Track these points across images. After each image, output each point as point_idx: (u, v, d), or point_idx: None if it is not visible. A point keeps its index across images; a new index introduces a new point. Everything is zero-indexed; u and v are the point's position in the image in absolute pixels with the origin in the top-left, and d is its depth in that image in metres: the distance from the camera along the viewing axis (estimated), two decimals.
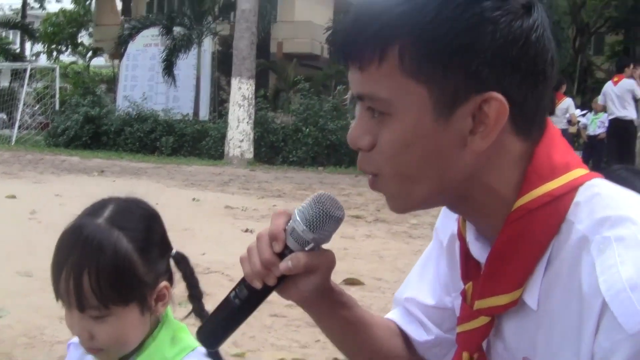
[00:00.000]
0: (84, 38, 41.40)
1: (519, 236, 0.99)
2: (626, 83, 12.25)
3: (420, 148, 0.98)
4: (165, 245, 1.49)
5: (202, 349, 1.43)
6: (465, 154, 0.98)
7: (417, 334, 1.33)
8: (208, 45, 23.17)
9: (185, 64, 22.05)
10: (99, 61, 40.95)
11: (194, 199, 9.95)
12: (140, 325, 1.43)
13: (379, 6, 0.98)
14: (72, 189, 10.04)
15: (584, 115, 16.15)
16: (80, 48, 41.13)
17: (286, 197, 10.88)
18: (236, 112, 17.68)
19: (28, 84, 24.71)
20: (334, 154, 18.23)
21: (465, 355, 1.11)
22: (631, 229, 0.89)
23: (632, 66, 12.29)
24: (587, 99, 26.15)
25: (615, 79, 12.62)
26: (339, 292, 1.21)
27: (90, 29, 38.51)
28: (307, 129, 18.30)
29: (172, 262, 1.51)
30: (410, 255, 6.65)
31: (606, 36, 33.92)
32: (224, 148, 18.18)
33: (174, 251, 1.51)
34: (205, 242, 6.76)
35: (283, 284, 1.12)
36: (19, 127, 23.59)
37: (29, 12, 40.77)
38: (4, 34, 33.58)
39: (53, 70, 26.09)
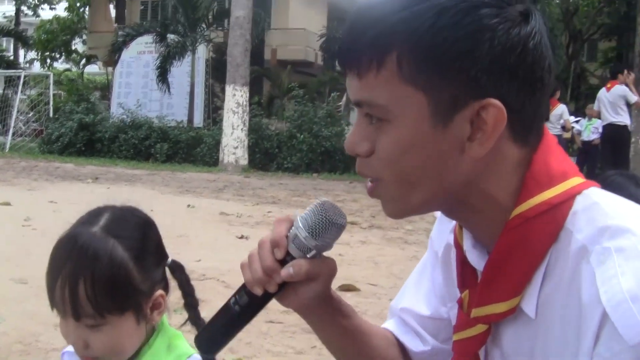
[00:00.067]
0: (77, 45, 41.35)
1: (516, 244, 0.99)
2: (618, 89, 12.30)
3: (419, 154, 0.98)
4: (161, 253, 1.49)
5: (197, 356, 1.43)
6: (464, 160, 0.98)
7: (414, 345, 1.33)
8: (202, 52, 23.17)
9: (179, 71, 22.04)
10: (93, 68, 40.93)
11: (188, 206, 9.94)
12: (135, 334, 1.43)
13: (377, 13, 0.98)
14: (67, 196, 10.02)
15: (577, 122, 16.23)
16: (74, 55, 41.08)
17: (281, 204, 10.88)
18: (230, 119, 17.68)
19: (22, 91, 24.63)
20: (329, 161, 18.23)
21: None
22: (631, 239, 0.89)
23: (625, 72, 12.34)
24: (580, 105, 26.23)
25: (609, 85, 12.68)
26: (339, 301, 1.21)
27: (84, 36, 38.45)
28: (302, 136, 18.30)
29: (167, 271, 1.51)
30: (405, 261, 6.66)
31: (599, 43, 34.06)
32: (218, 155, 18.18)
33: (169, 259, 1.51)
34: (200, 249, 6.75)
35: (283, 291, 1.11)
36: (13, 134, 23.52)
37: (22, 19, 40.76)
38: None
39: (47, 77, 26.02)
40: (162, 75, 21.80)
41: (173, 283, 1.52)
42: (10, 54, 35.80)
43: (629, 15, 23.86)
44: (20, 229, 7.38)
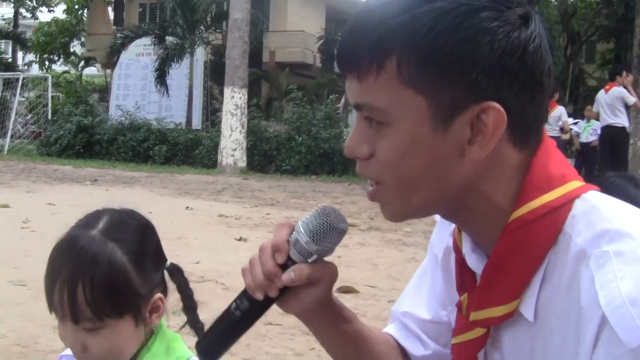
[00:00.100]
0: (76, 47, 41.28)
1: (515, 247, 0.99)
2: (616, 91, 12.34)
3: (419, 157, 0.98)
4: (160, 257, 1.49)
5: (196, 359, 1.43)
6: (464, 163, 0.98)
7: (415, 349, 1.33)
8: (200, 54, 23.19)
9: (177, 73, 22.04)
10: (92, 70, 40.85)
11: (187, 208, 9.94)
12: (134, 337, 1.42)
13: (377, 17, 0.97)
14: (65, 198, 10.02)
15: (575, 123, 16.25)
16: (72, 57, 41.03)
17: (279, 206, 10.88)
18: (229, 121, 17.68)
19: (20, 94, 24.66)
20: (327, 163, 18.24)
21: None
22: (630, 244, 0.89)
23: (624, 74, 12.36)
24: (579, 106, 26.26)
25: (607, 87, 12.71)
26: (340, 306, 1.21)
27: (83, 39, 38.42)
28: (300, 138, 18.31)
29: (166, 274, 1.50)
30: (404, 263, 6.66)
31: (597, 44, 34.10)
32: (217, 157, 18.19)
33: (168, 263, 1.51)
34: (199, 251, 6.76)
35: (284, 295, 1.11)
36: (12, 136, 23.54)
37: (21, 21, 40.77)
38: None
39: (45, 79, 26.04)
40: (161, 77, 21.81)
41: (172, 285, 1.52)
42: (8, 56, 35.71)
43: (627, 17, 23.90)
44: (19, 231, 7.38)
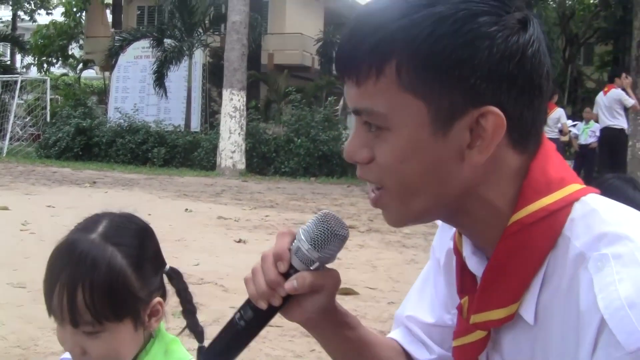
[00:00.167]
0: (74, 50, 41.27)
1: (515, 250, 0.99)
2: (614, 93, 12.35)
3: (418, 162, 0.98)
4: (159, 260, 1.49)
5: None
6: (463, 168, 0.98)
7: (420, 354, 1.33)
8: (199, 57, 23.19)
9: (176, 76, 22.07)
10: (90, 73, 40.83)
11: (186, 210, 9.94)
12: (133, 341, 1.43)
13: (376, 21, 0.97)
14: (64, 200, 10.03)
15: (574, 125, 16.27)
16: (70, 60, 41.01)
17: (278, 208, 10.88)
18: (228, 123, 17.68)
19: (19, 96, 24.66)
20: (326, 165, 18.25)
21: None
22: (629, 246, 0.89)
23: (623, 76, 12.37)
24: (577, 108, 26.29)
25: (606, 89, 12.72)
26: (343, 312, 1.21)
27: (81, 41, 38.42)
28: (299, 140, 18.32)
29: (165, 277, 1.50)
30: (403, 265, 6.66)
31: (595, 46, 34.12)
32: (215, 159, 18.19)
33: (167, 267, 1.51)
34: (199, 253, 6.75)
35: (288, 304, 1.11)
36: (10, 138, 23.55)
37: (19, 24, 40.71)
38: None
39: (44, 82, 26.05)
40: (159, 79, 21.83)
41: (171, 288, 1.52)
42: (7, 59, 35.75)
43: (625, 19, 23.91)
44: (18, 234, 7.38)
